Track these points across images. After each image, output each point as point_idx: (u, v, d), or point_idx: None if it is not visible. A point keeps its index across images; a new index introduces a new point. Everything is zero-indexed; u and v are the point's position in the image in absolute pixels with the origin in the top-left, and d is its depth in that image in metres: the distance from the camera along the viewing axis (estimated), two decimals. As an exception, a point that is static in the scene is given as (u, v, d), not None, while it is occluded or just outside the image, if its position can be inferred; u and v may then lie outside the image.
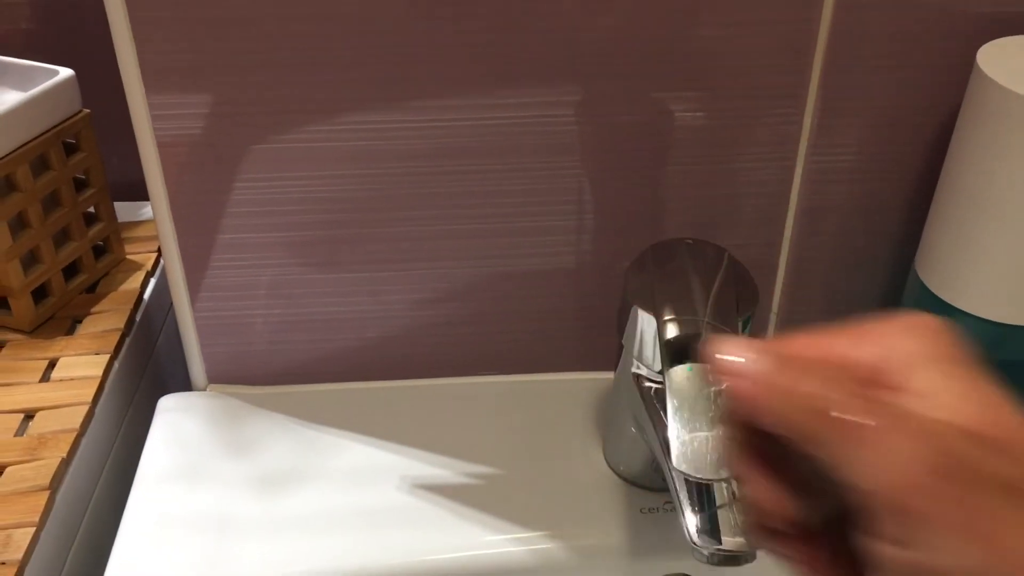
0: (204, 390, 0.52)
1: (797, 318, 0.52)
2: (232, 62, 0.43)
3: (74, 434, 0.46)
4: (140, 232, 0.60)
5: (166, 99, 0.43)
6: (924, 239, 0.45)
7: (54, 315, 0.54)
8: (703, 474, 0.35)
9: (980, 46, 0.42)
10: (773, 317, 0.52)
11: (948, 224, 0.43)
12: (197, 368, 0.51)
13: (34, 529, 0.41)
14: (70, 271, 0.55)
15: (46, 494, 0.43)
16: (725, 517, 0.37)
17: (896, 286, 0.50)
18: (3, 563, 0.40)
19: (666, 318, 0.39)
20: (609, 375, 0.49)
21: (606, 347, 0.52)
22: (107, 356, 0.51)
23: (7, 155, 0.49)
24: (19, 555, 0.40)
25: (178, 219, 0.47)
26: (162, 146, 0.44)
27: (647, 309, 0.40)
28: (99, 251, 0.57)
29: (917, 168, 0.47)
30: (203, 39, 0.42)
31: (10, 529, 0.41)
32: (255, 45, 0.42)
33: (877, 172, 0.48)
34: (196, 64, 0.42)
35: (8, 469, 0.44)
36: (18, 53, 0.55)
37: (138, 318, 0.55)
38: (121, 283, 0.56)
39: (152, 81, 0.43)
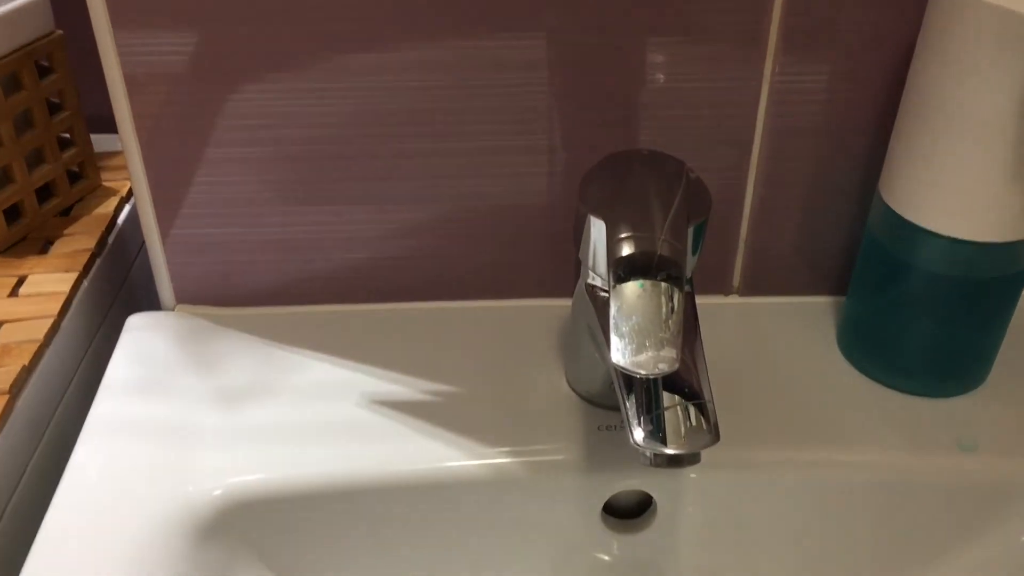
0: (172, 310, 0.52)
1: (765, 243, 0.52)
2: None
3: (37, 344, 0.46)
4: (118, 162, 0.61)
5: (130, 19, 0.43)
6: (887, 159, 0.45)
7: (27, 236, 0.54)
8: (643, 369, 0.35)
9: (944, -42, 0.41)
10: (741, 244, 0.52)
11: (909, 142, 0.43)
12: (165, 288, 0.52)
13: (-10, 430, 0.42)
14: (44, 194, 0.55)
15: (5, 398, 0.43)
16: (671, 419, 0.37)
17: (864, 208, 0.50)
18: (-43, 460, 0.40)
19: (621, 235, 0.39)
20: (575, 301, 0.50)
21: (572, 274, 0.52)
22: (75, 274, 0.51)
23: (-24, 71, 0.50)
24: (-27, 454, 0.41)
25: (143, 137, 0.47)
26: (125, 66, 0.45)
27: (601, 219, 0.40)
28: (74, 177, 0.57)
29: (884, 89, 0.47)
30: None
31: (-34, 430, 0.42)
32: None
33: (844, 93, 0.47)
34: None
35: (-30, 376, 0.45)
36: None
37: (110, 240, 0.55)
38: (95, 208, 0.57)
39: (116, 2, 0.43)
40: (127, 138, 0.47)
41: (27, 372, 0.45)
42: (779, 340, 0.52)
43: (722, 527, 0.47)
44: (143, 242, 0.59)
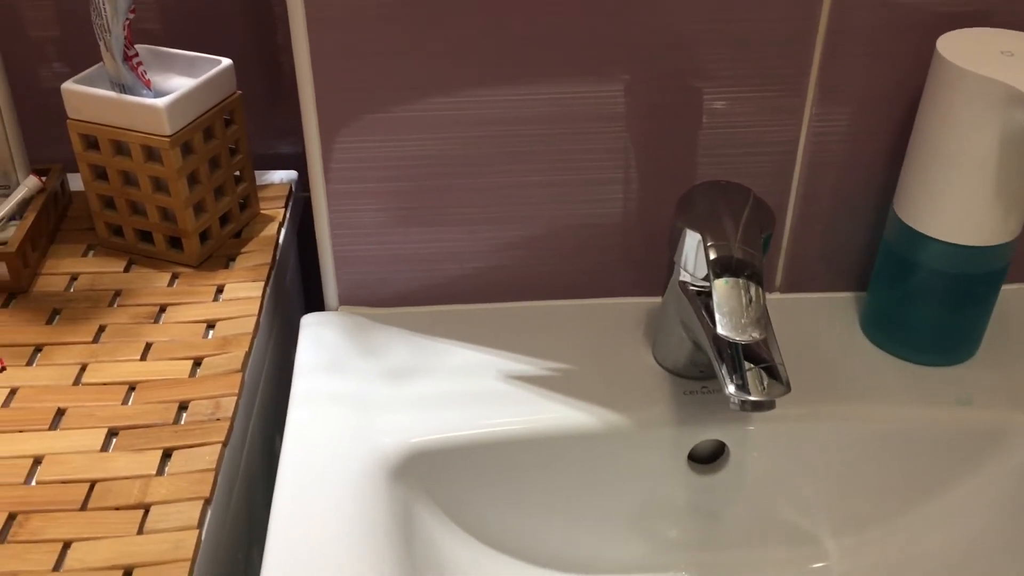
0: (336, 310, 0.66)
1: (802, 251, 0.66)
2: (376, 51, 0.57)
3: (250, 336, 0.60)
4: (267, 193, 0.74)
5: (327, 80, 0.57)
6: (899, 183, 0.59)
7: (212, 254, 0.68)
8: (740, 337, 0.49)
9: (938, 36, 0.56)
10: (783, 252, 0.66)
11: (916, 172, 0.57)
12: (331, 292, 0.65)
13: (235, 397, 0.55)
14: (223, 220, 0.69)
15: (240, 375, 0.57)
16: (754, 377, 0.51)
17: (879, 220, 0.64)
18: (218, 419, 0.54)
19: (709, 242, 0.53)
20: (652, 299, 0.64)
21: (650, 276, 0.66)
22: (262, 283, 0.65)
23: (187, 125, 0.63)
24: (228, 414, 0.54)
25: (327, 173, 0.60)
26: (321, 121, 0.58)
27: (694, 231, 0.54)
28: (242, 206, 0.71)
29: (894, 130, 0.61)
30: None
31: (218, 398, 0.55)
32: (398, 39, 0.56)
33: (865, 134, 0.62)
34: (348, 59, 0.56)
35: (206, 360, 0.58)
36: (170, 43, 0.69)
37: (277, 257, 0.69)
38: (259, 231, 0.70)
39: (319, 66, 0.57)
40: (315, 179, 0.60)
41: (247, 356, 0.59)
42: (814, 326, 0.66)
43: (777, 466, 0.61)
44: (291, 256, 0.73)
